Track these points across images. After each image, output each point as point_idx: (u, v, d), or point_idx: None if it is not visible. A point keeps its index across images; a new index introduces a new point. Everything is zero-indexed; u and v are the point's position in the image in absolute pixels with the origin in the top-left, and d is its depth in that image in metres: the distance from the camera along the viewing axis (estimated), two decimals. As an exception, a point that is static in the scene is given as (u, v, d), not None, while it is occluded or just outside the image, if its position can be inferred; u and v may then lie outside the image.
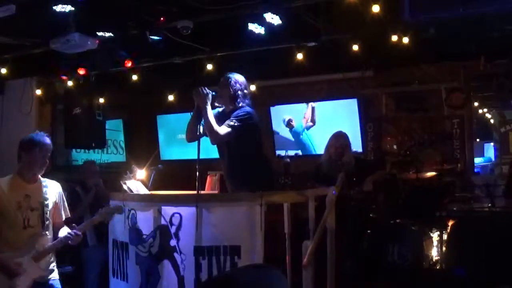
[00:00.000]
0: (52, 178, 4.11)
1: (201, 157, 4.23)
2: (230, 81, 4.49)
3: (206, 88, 4.35)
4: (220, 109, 4.61)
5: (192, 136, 4.48)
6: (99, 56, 6.44)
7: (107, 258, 4.47)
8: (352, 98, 7.61)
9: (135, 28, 5.84)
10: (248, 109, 4.44)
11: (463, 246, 4.95)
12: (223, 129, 4.29)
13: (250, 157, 4.44)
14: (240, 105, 4.46)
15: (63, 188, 4.18)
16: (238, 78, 4.53)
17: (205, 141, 4.41)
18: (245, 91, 4.54)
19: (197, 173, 4.20)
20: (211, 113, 4.32)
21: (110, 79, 7.62)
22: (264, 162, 4.68)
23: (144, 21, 5.71)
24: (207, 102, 4.30)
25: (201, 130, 4.38)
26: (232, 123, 4.30)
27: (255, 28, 5.45)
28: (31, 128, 7.66)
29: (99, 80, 7.59)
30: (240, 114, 4.36)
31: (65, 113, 7.93)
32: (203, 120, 4.32)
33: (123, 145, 9.37)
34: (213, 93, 4.40)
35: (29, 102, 7.72)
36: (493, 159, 7.41)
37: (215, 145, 4.52)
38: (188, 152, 8.16)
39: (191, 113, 4.51)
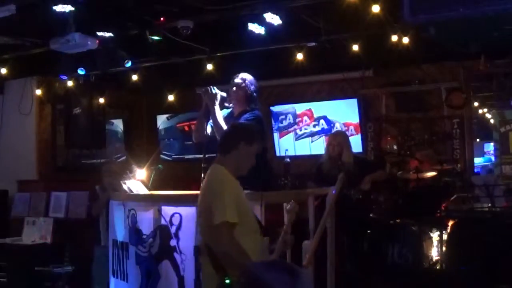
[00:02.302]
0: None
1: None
2: (246, 82, 4.52)
3: (215, 88, 4.36)
4: (229, 111, 4.61)
5: (200, 135, 4.49)
6: (99, 56, 6.43)
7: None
8: (352, 98, 7.60)
9: (135, 28, 5.85)
10: (258, 113, 4.50)
11: (463, 246, 4.95)
12: None
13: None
14: (254, 106, 4.50)
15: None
16: (252, 79, 4.57)
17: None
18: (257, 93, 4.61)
19: (202, 174, 4.21)
20: (219, 113, 4.34)
21: (110, 79, 7.62)
22: (266, 165, 4.70)
23: (144, 21, 5.71)
24: (215, 102, 4.32)
25: (209, 131, 4.39)
26: None
27: (255, 28, 5.44)
28: (31, 128, 7.68)
29: (99, 80, 7.58)
30: (251, 117, 4.38)
31: (65, 113, 7.93)
32: (211, 120, 4.33)
33: (123, 145, 9.35)
34: (223, 94, 4.41)
35: (29, 102, 7.71)
36: (493, 159, 7.40)
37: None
38: (188, 152, 8.18)
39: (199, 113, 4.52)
